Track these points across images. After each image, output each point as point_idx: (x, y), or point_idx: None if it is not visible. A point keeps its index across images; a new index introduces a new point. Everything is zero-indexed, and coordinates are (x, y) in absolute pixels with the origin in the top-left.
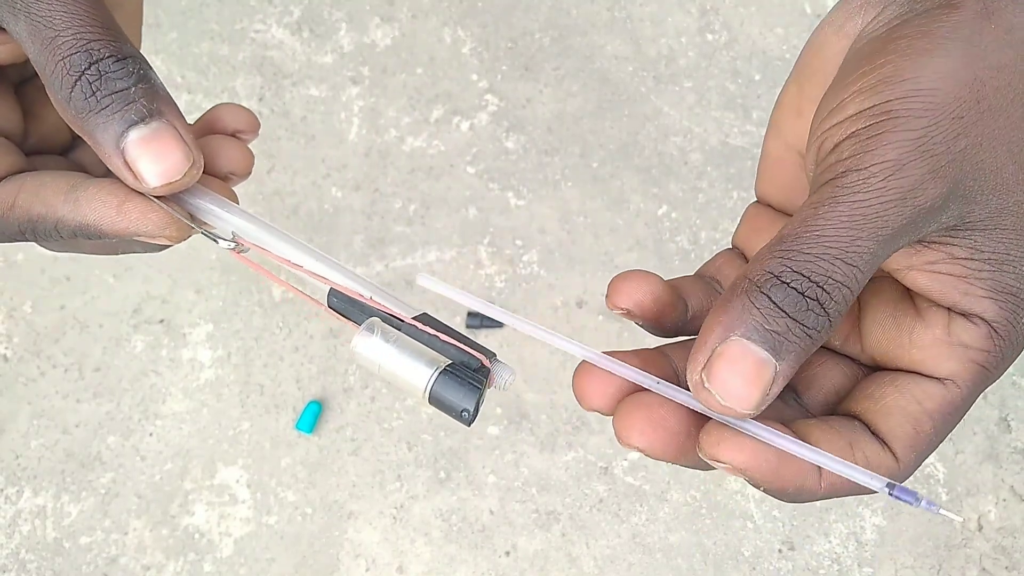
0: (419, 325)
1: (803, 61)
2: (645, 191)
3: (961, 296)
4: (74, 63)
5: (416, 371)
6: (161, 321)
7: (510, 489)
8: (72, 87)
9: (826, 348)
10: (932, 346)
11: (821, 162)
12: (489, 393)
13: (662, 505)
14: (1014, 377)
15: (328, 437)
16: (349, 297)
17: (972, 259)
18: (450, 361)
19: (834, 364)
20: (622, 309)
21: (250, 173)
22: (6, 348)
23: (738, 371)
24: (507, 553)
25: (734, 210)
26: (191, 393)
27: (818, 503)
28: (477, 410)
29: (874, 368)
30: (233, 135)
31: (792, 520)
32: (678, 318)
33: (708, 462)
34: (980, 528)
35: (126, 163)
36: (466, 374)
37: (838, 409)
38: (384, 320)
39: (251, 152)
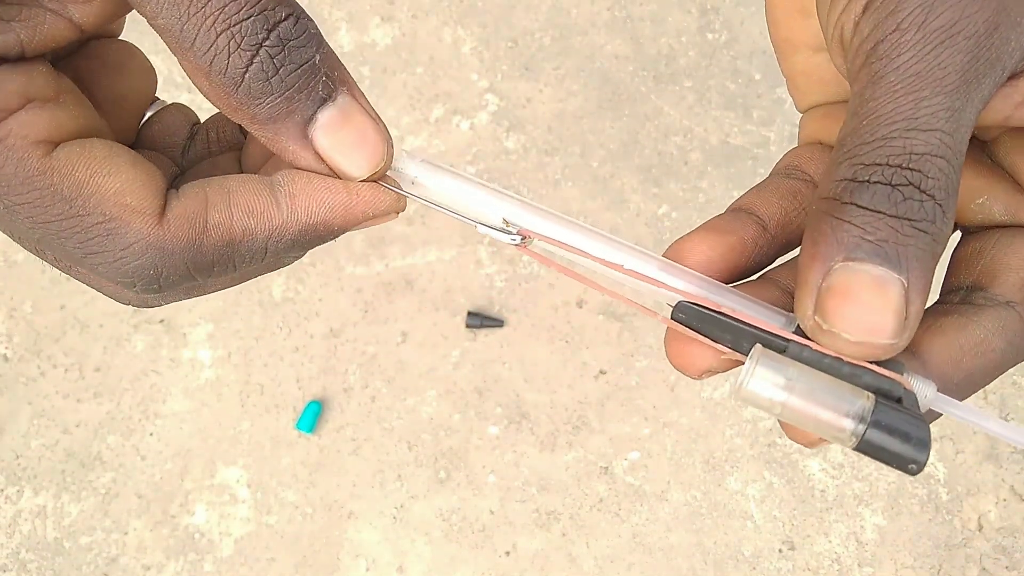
0: (812, 344)
1: None
2: (645, 191)
3: None
4: (247, 31)
5: (836, 411)
6: (161, 321)
7: (510, 489)
8: (247, 67)
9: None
10: None
11: (849, 51)
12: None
13: (662, 505)
14: (1014, 377)
15: (328, 437)
16: (701, 310)
17: None
18: (869, 393)
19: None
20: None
21: None
22: (6, 348)
23: (856, 300)
24: (507, 553)
25: None
26: (191, 393)
27: (818, 504)
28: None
29: None
30: None
31: (792, 520)
32: (763, 252)
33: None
34: (980, 528)
35: (317, 155)
36: (898, 407)
37: None
38: (764, 343)
39: None
